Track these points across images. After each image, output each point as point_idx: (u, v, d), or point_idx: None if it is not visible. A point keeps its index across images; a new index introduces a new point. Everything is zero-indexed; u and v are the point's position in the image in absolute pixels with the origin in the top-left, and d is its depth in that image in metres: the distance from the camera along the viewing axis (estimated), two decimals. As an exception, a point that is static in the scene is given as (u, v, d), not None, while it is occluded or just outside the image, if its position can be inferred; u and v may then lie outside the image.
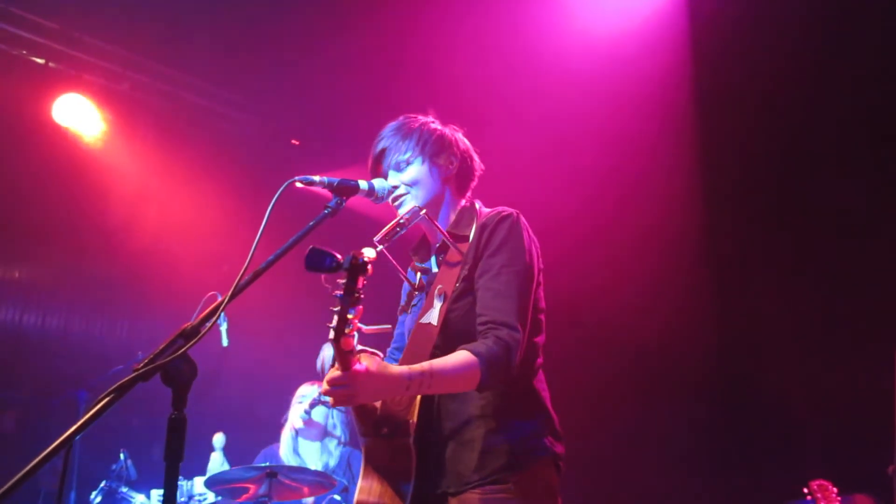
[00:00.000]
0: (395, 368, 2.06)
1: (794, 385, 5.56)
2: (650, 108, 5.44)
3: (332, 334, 1.88)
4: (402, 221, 2.36)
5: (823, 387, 5.32)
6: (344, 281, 1.83)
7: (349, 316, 1.84)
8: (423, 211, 2.38)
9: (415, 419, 2.18)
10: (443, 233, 2.42)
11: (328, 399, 5.01)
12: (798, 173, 5.47)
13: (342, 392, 2.01)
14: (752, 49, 5.18)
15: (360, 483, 2.22)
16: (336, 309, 1.85)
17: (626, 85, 5.32)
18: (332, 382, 2.02)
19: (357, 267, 1.80)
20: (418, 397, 2.20)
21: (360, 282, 1.84)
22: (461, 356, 2.14)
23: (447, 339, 2.25)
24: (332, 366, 2.04)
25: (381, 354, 2.14)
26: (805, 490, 4.17)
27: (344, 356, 1.95)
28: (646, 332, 5.80)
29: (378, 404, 2.22)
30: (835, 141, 5.29)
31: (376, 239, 2.31)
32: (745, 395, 5.82)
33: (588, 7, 5.27)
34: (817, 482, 4.16)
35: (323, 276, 1.94)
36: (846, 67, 5.05)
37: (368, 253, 1.84)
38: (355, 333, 1.92)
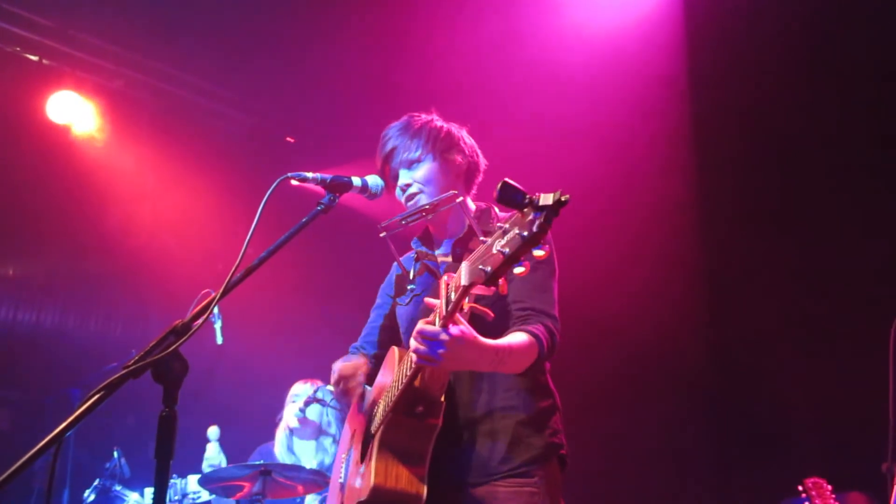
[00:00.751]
0: (486, 340, 2.01)
1: (789, 383, 5.57)
2: (645, 106, 5.44)
3: (473, 276, 1.70)
4: (427, 207, 2.36)
5: (818, 385, 5.32)
6: (538, 218, 1.63)
7: (537, 253, 1.65)
8: (460, 198, 2.36)
9: (443, 401, 2.16)
10: (474, 224, 2.39)
11: (323, 397, 4.98)
12: (794, 172, 5.47)
13: (438, 353, 1.90)
14: (748, 47, 5.18)
15: (374, 465, 2.12)
16: (505, 250, 1.65)
17: (620, 83, 5.31)
18: (430, 335, 1.91)
19: (559, 205, 1.63)
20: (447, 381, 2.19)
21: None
22: (524, 337, 2.16)
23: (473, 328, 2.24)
24: (443, 313, 1.86)
25: (492, 314, 1.98)
26: (800, 488, 4.16)
27: (457, 308, 1.82)
28: (641, 331, 5.80)
29: (419, 381, 2.12)
30: (831, 139, 5.29)
31: (384, 224, 2.30)
32: (741, 394, 5.82)
33: (583, 5, 5.26)
34: (812, 480, 4.16)
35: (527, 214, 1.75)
36: (842, 64, 5.05)
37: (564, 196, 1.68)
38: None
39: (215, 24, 5.50)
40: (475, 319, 2.23)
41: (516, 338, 2.15)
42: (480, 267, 1.69)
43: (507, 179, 1.73)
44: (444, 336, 1.90)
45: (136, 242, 6.13)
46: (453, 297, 1.83)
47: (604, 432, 5.66)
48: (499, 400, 2.29)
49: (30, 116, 5.72)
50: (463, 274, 1.74)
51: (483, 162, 2.63)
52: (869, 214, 5.17)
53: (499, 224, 1.72)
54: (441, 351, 1.90)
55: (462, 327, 1.93)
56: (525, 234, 1.64)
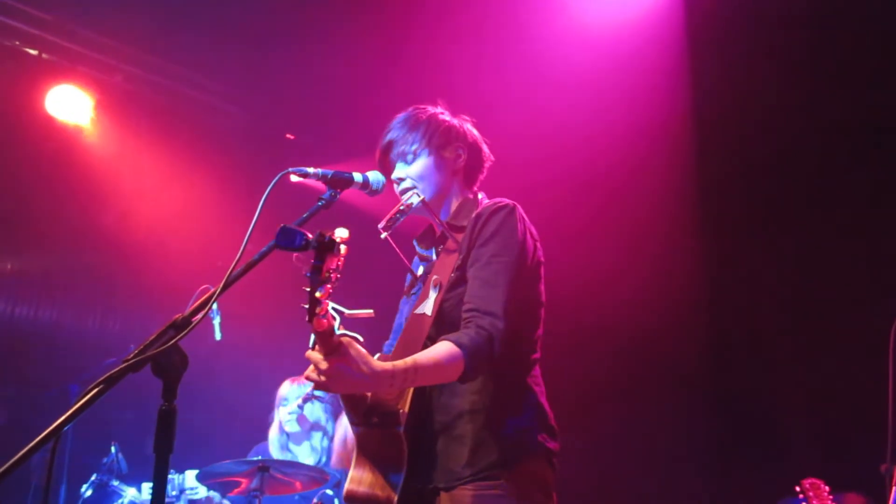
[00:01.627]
0: (379, 364, 1.98)
1: (787, 384, 5.57)
2: (647, 102, 5.42)
3: (307, 314, 1.82)
4: (402, 208, 2.37)
5: (817, 385, 5.33)
6: (311, 260, 1.76)
7: (317, 295, 1.76)
8: (421, 198, 2.37)
9: (406, 409, 2.14)
10: (440, 222, 2.43)
11: (322, 394, 4.99)
12: (795, 170, 5.46)
13: (321, 379, 1.92)
14: (749, 44, 5.17)
15: (351, 472, 2.17)
16: (307, 289, 1.78)
17: (621, 77, 5.30)
18: (312, 361, 1.95)
19: (323, 245, 1.72)
20: (411, 388, 2.17)
21: (331, 261, 1.75)
22: (444, 348, 2.10)
23: (441, 329, 2.22)
24: (313, 347, 1.95)
25: (361, 339, 2.04)
26: (797, 489, 4.17)
27: (319, 339, 1.88)
28: (639, 330, 5.79)
29: (369, 392, 2.16)
30: (833, 138, 5.28)
31: (380, 226, 2.30)
32: (739, 394, 5.82)
33: (584, 1, 5.26)
34: (809, 481, 4.16)
35: (294, 256, 1.89)
36: (846, 60, 5.04)
37: (340, 232, 1.76)
38: (331, 315, 1.86)
39: (216, 19, 5.49)
40: (445, 322, 2.24)
41: (432, 351, 2.09)
42: (304, 305, 1.79)
43: (283, 225, 1.81)
44: (322, 365, 1.91)
45: (134, 238, 6.11)
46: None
47: (601, 431, 5.66)
48: (466, 403, 2.26)
49: (28, 111, 5.70)
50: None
51: (488, 156, 2.62)
52: (870, 213, 5.16)
53: (313, 260, 1.78)
54: (324, 379, 1.91)
55: (340, 356, 1.90)
56: (309, 274, 1.73)
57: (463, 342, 2.11)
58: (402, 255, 2.48)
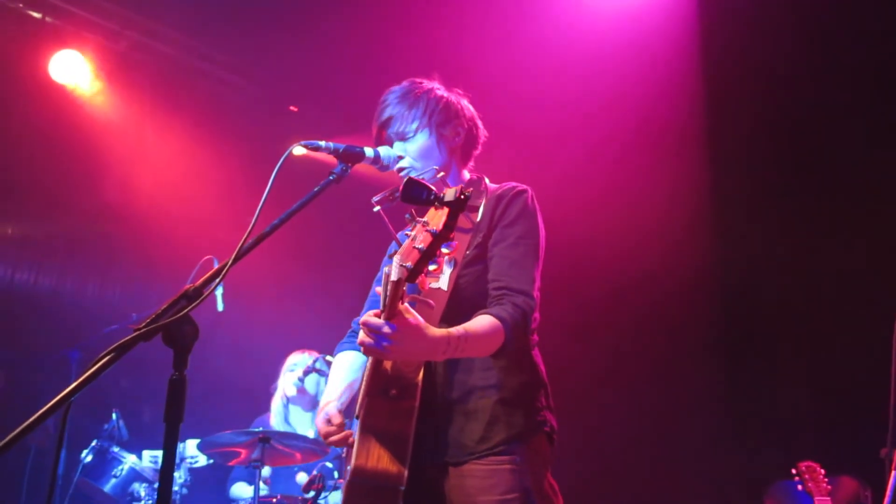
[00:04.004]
0: (436, 329, 2.01)
1: (788, 367, 5.60)
2: (659, 73, 5.38)
3: (398, 272, 1.74)
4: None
5: (817, 369, 5.35)
6: (444, 217, 1.70)
7: (445, 251, 1.72)
8: (441, 174, 2.35)
9: (420, 382, 2.16)
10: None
11: (321, 368, 4.97)
12: (808, 147, 5.44)
13: (382, 345, 1.90)
14: (761, 27, 5.13)
15: (356, 447, 2.15)
16: (420, 246, 1.70)
17: (631, 47, 5.26)
18: (374, 328, 1.91)
19: (462, 202, 1.69)
20: (423, 363, 2.17)
21: (459, 219, 1.73)
22: (487, 321, 2.13)
23: (457, 304, 2.21)
24: (382, 310, 1.90)
25: (434, 304, 2.05)
26: (793, 471, 4.21)
27: (396, 302, 1.84)
28: (643, 311, 5.81)
29: (389, 364, 2.13)
30: (845, 108, 5.25)
31: (376, 199, 2.27)
32: (739, 377, 5.84)
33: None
34: (806, 463, 4.21)
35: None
36: (860, 44, 5.01)
37: (467, 191, 1.74)
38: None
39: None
40: (461, 298, 2.23)
41: (477, 322, 2.12)
42: (401, 264, 1.73)
43: (411, 177, 1.78)
44: (386, 329, 1.89)
45: (135, 206, 6.10)
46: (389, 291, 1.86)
47: (604, 413, 5.69)
48: (477, 379, 2.27)
49: (32, 75, 5.65)
50: (393, 269, 1.77)
51: (483, 133, 2.59)
52: (880, 201, 5.15)
53: (418, 219, 1.77)
54: (385, 344, 1.91)
55: (407, 320, 1.91)
56: (434, 230, 1.69)
57: (503, 317, 2.15)
58: (391, 230, 2.45)
